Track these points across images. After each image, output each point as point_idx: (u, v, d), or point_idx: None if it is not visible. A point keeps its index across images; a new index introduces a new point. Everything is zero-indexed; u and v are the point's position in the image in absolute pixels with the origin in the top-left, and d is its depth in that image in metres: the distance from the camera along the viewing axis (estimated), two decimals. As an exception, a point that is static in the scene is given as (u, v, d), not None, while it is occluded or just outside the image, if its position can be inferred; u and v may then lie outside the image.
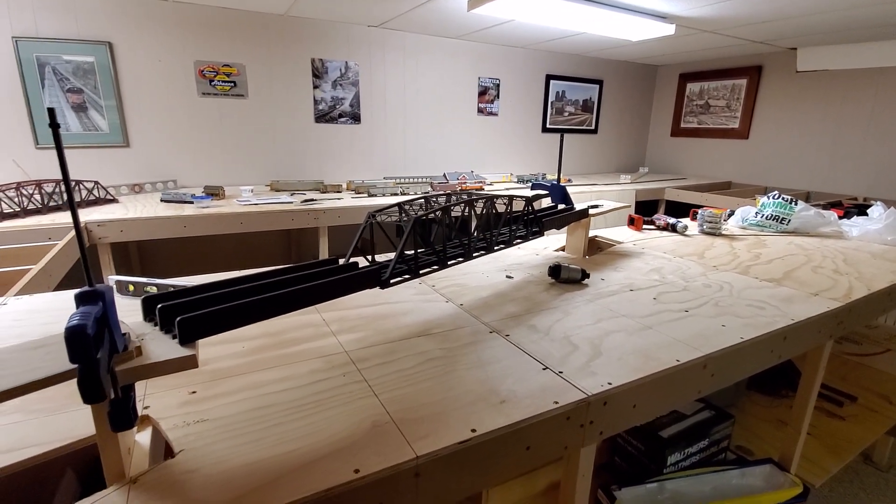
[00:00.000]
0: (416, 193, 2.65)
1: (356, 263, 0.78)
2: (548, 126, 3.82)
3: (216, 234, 2.04)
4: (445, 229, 0.91)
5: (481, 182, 2.98)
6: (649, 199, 3.30)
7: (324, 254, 2.26)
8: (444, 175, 2.98)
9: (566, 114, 3.89)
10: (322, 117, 2.96)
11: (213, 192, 2.31)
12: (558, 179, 1.49)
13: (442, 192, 1.03)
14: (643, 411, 0.77)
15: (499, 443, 0.60)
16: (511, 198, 1.06)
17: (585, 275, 1.19)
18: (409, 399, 0.65)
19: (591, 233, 1.76)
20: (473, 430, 0.59)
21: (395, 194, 2.59)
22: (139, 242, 2.62)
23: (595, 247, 1.69)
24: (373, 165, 3.18)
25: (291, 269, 0.74)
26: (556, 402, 0.66)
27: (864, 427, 1.61)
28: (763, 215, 1.90)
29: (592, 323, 0.95)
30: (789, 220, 1.86)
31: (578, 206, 1.52)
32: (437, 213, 0.86)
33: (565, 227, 1.51)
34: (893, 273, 1.37)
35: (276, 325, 0.89)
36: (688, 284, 1.22)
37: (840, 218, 1.94)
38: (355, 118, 3.05)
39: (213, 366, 0.74)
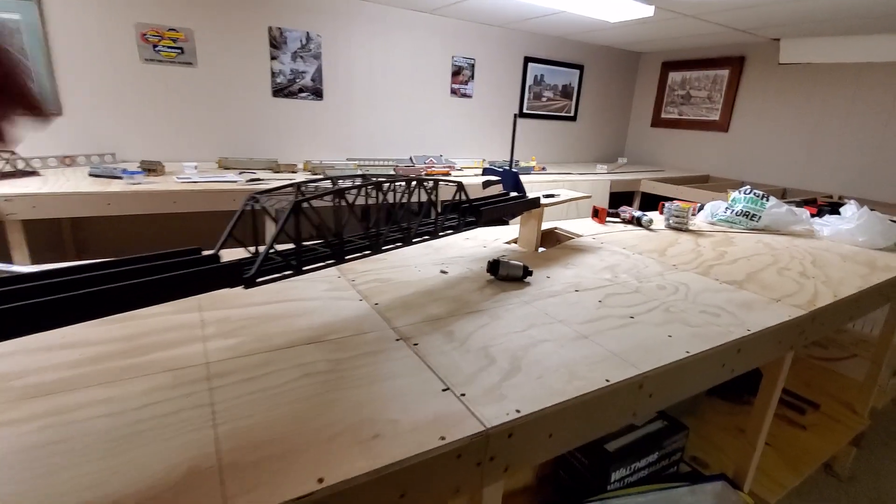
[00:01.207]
0: (378, 175, 2.49)
1: (217, 256, 0.63)
2: (525, 111, 3.67)
3: (158, 214, 1.87)
4: (349, 214, 0.76)
5: (449, 167, 2.83)
6: (625, 191, 3.19)
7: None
8: (411, 158, 2.83)
9: (544, 98, 3.74)
10: (280, 91, 2.76)
11: (150, 168, 2.12)
12: (511, 165, 1.36)
13: (401, 176, 0.89)
14: (562, 440, 0.65)
15: (356, 493, 0.47)
16: (436, 181, 0.92)
17: (528, 272, 1.07)
18: (257, 432, 0.52)
19: (553, 224, 1.64)
20: (321, 480, 0.46)
21: (354, 177, 2.43)
22: (74, 221, 2.42)
23: (554, 239, 1.57)
24: (335, 145, 3.00)
25: (136, 259, 0.59)
26: (444, 438, 0.53)
27: (826, 438, 1.53)
28: (733, 211, 1.80)
29: (521, 330, 0.82)
30: (760, 217, 1.75)
31: (532, 195, 1.39)
32: (327, 197, 0.72)
33: (518, 218, 1.38)
34: (862, 278, 1.28)
35: (139, 325, 0.75)
36: (641, 285, 1.10)
37: (813, 216, 1.85)
38: (317, 94, 2.86)
39: (28, 380, 0.59)
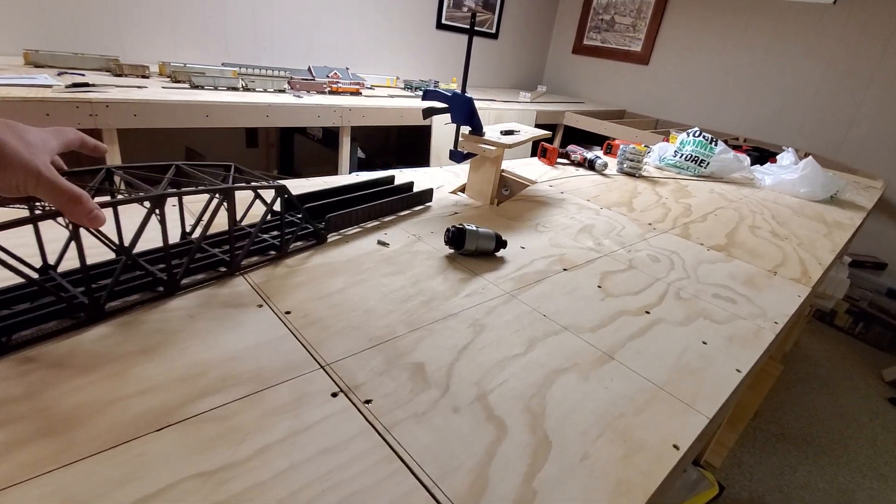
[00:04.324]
0: (266, 90, 1.94)
1: None
2: (443, 22, 3.19)
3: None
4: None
5: (359, 83, 2.34)
6: (549, 123, 2.97)
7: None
8: (310, 69, 2.28)
9: (465, 9, 3.27)
10: (117, -42, 1.98)
11: None
12: (463, 89, 1.01)
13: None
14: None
15: None
16: (256, 191, 0.55)
17: (501, 243, 0.78)
18: None
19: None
20: None
21: (235, 89, 1.86)
22: None
23: (501, 184, 1.28)
24: (206, 44, 2.30)
25: None
26: None
27: (751, 389, 1.56)
28: (682, 155, 1.65)
29: (523, 351, 0.55)
30: (708, 163, 1.63)
31: (489, 130, 1.07)
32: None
33: (467, 162, 1.06)
34: (826, 237, 1.20)
35: None
36: (631, 257, 0.87)
37: (749, 163, 1.78)
38: (174, -32, 2.11)
39: None
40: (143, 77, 1.78)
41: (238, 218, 0.68)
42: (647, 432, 0.46)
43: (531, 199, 1.13)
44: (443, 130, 2.39)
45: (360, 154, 2.35)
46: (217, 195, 0.55)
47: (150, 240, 0.55)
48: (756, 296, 0.80)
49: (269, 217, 0.67)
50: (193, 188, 0.48)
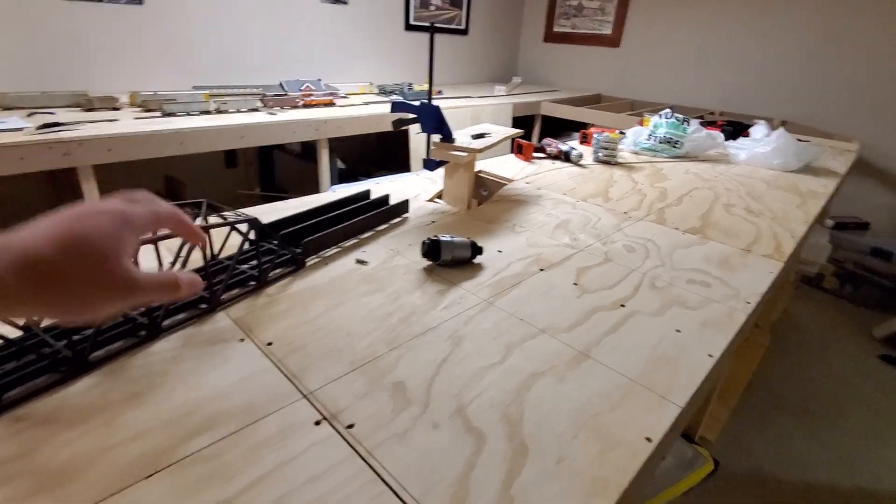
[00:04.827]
0: (240, 110, 1.95)
1: None
2: (412, 22, 3.19)
3: None
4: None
5: (332, 94, 2.34)
6: (526, 115, 2.98)
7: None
8: (281, 85, 2.28)
9: (432, 7, 3.27)
10: (77, -9, 1.97)
11: None
12: (429, 97, 1.02)
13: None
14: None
15: None
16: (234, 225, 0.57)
17: (477, 250, 0.79)
18: None
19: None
20: None
21: (208, 112, 1.86)
22: None
23: (478, 185, 1.30)
24: (175, 68, 2.30)
25: None
26: None
27: (742, 361, 1.59)
28: (656, 138, 1.67)
29: (500, 360, 0.56)
30: (682, 144, 1.65)
31: (459, 136, 1.08)
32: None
33: (441, 169, 1.08)
34: (799, 208, 1.22)
35: None
36: (607, 250, 0.89)
37: (724, 139, 1.80)
38: (135, -4, 2.10)
39: None
40: (114, 109, 1.77)
41: (216, 251, 0.69)
42: (623, 428, 0.48)
43: (508, 198, 1.15)
44: (420, 134, 2.40)
45: (341, 165, 2.35)
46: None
47: (129, 285, 0.56)
48: (730, 277, 0.83)
49: (245, 248, 0.68)
50: (166, 234, 0.49)
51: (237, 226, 0.63)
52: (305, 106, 2.16)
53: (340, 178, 2.31)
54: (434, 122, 0.99)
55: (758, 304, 0.76)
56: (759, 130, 1.74)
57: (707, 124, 2.12)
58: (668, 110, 1.73)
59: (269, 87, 2.29)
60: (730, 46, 2.96)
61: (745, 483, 1.42)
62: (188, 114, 1.79)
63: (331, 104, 2.25)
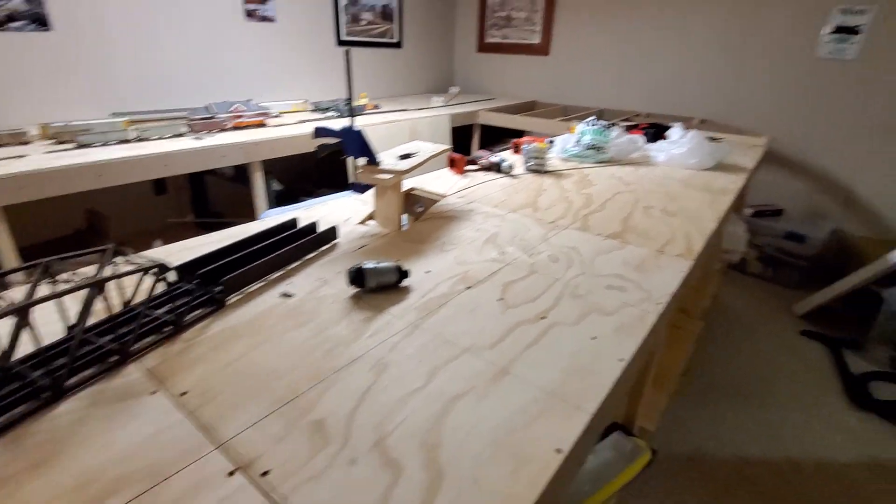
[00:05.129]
0: (163, 137, 1.87)
1: None
2: (343, 38, 3.17)
3: None
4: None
5: (264, 114, 2.29)
6: (464, 125, 3.04)
7: (7, 255, 1.42)
8: (207, 107, 2.20)
9: (363, 22, 3.28)
10: (-29, 18, 1.83)
11: None
12: (351, 117, 1.03)
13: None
14: (522, 569, 0.44)
15: None
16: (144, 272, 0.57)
17: (403, 274, 0.80)
18: None
19: (407, 182, 1.37)
20: None
21: (127, 141, 1.77)
22: None
23: (413, 202, 1.31)
24: (90, 96, 2.17)
25: None
26: None
27: (675, 348, 1.68)
28: (583, 144, 1.75)
29: (423, 384, 0.58)
30: (606, 149, 1.74)
31: (385, 157, 1.09)
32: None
33: (371, 191, 1.09)
34: (710, 206, 1.32)
35: None
36: (533, 262, 0.93)
37: (645, 142, 1.91)
38: (39, 22, 1.97)
39: None
40: (23, 143, 1.66)
41: (128, 298, 0.66)
42: (536, 444, 0.50)
43: (441, 215, 1.17)
44: (359, 149, 2.39)
45: (277, 186, 2.30)
46: (89, 288, 0.54)
47: (31, 343, 0.53)
48: (644, 279, 0.88)
49: (162, 291, 0.66)
50: (57, 292, 0.47)
51: (149, 271, 0.61)
52: (235, 128, 2.11)
53: (278, 199, 2.26)
54: (357, 145, 1.00)
55: (668, 304, 0.81)
56: (675, 133, 1.86)
57: (630, 128, 2.25)
58: (592, 117, 1.82)
59: (196, 109, 2.21)
60: (649, 50, 3.15)
61: (685, 466, 1.51)
62: (105, 143, 1.70)
63: (262, 125, 2.20)
